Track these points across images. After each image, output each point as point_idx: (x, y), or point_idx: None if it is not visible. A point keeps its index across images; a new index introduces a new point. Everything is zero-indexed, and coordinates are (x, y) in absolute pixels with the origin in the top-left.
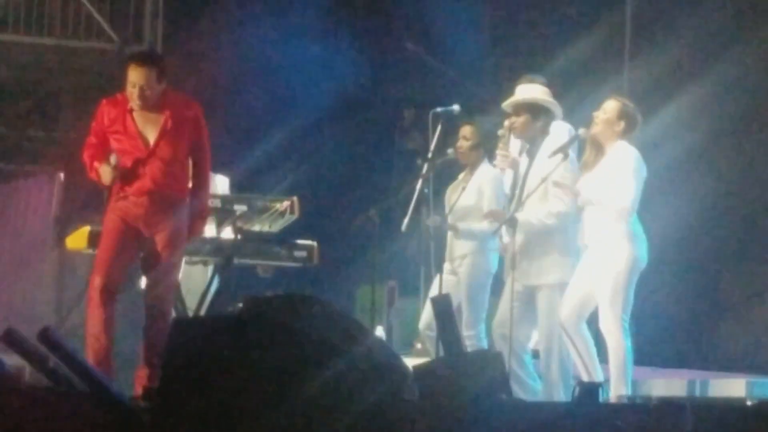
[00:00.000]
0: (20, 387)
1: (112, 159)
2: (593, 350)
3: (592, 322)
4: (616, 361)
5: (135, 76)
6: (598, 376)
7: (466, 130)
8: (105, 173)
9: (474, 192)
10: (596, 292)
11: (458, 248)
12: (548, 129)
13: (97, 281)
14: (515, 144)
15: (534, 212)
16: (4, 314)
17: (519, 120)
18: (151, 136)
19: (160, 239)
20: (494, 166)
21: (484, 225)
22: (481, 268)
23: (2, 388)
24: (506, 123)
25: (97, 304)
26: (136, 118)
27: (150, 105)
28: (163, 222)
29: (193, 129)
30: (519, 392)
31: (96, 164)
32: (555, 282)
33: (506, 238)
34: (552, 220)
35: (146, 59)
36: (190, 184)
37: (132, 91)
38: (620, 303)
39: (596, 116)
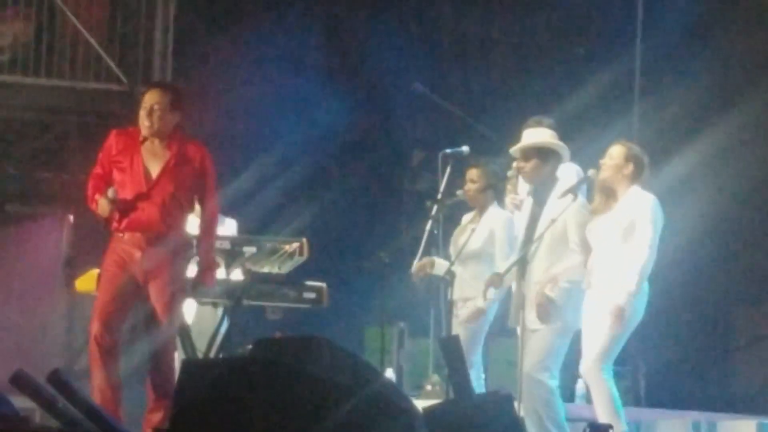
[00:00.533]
0: (30, 429)
1: (110, 192)
2: (616, 397)
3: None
4: (602, 403)
5: (149, 97)
6: (621, 425)
7: (472, 173)
8: (102, 206)
9: (484, 235)
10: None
11: (459, 292)
12: (556, 172)
13: (94, 330)
14: (524, 185)
15: (560, 274)
16: (13, 356)
17: (528, 165)
18: (154, 172)
19: (154, 286)
20: (504, 208)
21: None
22: (473, 313)
23: (12, 429)
24: (515, 164)
25: (97, 356)
26: (144, 153)
27: (158, 132)
28: (159, 267)
29: (197, 172)
30: None
31: (97, 196)
32: (557, 327)
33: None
34: (578, 275)
35: (163, 84)
36: (190, 229)
37: (142, 114)
38: (608, 353)
39: (603, 163)
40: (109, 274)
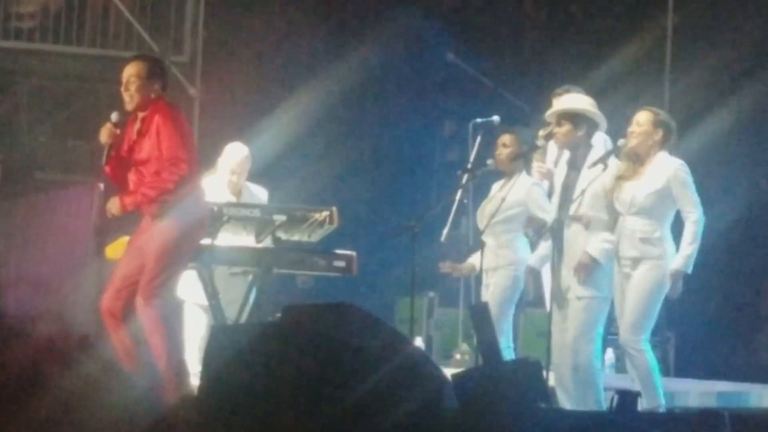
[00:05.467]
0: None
1: (114, 116)
2: (655, 369)
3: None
4: (640, 373)
5: (125, 71)
6: (658, 396)
7: (505, 138)
8: (102, 131)
9: (513, 204)
10: (623, 304)
11: (489, 260)
12: (591, 139)
13: (103, 302)
14: (551, 153)
15: (600, 239)
16: (46, 322)
17: (561, 129)
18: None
19: (148, 252)
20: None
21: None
22: (511, 280)
23: None
24: (540, 132)
25: (107, 328)
26: (133, 128)
27: (140, 104)
28: (149, 232)
29: (152, 125)
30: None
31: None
32: (592, 294)
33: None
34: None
35: (139, 55)
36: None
37: (122, 91)
38: (644, 322)
39: (631, 131)
40: (127, 247)
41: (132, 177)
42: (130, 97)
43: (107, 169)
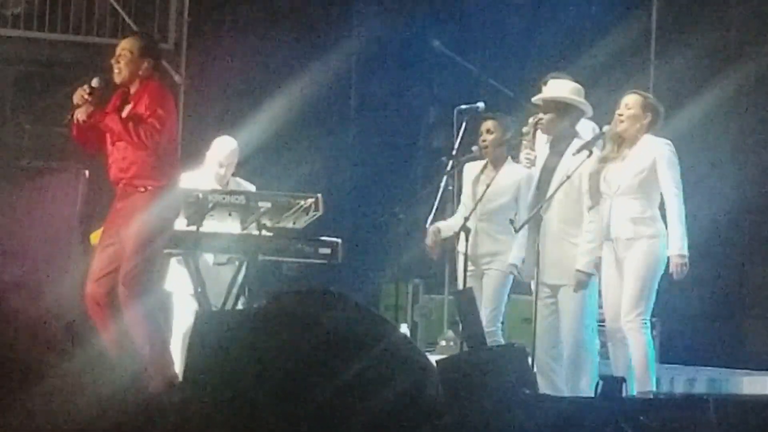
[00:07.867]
0: None
1: (95, 81)
2: (651, 353)
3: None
4: (638, 358)
5: (119, 45)
6: (651, 381)
7: (489, 124)
8: (77, 91)
9: (510, 191)
10: (614, 287)
11: (482, 248)
12: (575, 127)
13: (87, 290)
14: (541, 141)
15: (586, 251)
16: (31, 309)
17: (546, 117)
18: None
19: (126, 238)
20: (519, 162)
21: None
22: (506, 267)
23: None
24: (531, 120)
25: (92, 315)
26: (120, 105)
27: (128, 78)
28: (130, 218)
29: (140, 102)
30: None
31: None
32: (570, 282)
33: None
34: (600, 237)
35: (135, 32)
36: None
37: (112, 62)
38: (643, 301)
39: (620, 113)
40: (102, 235)
41: (118, 146)
42: (118, 70)
43: (73, 129)
